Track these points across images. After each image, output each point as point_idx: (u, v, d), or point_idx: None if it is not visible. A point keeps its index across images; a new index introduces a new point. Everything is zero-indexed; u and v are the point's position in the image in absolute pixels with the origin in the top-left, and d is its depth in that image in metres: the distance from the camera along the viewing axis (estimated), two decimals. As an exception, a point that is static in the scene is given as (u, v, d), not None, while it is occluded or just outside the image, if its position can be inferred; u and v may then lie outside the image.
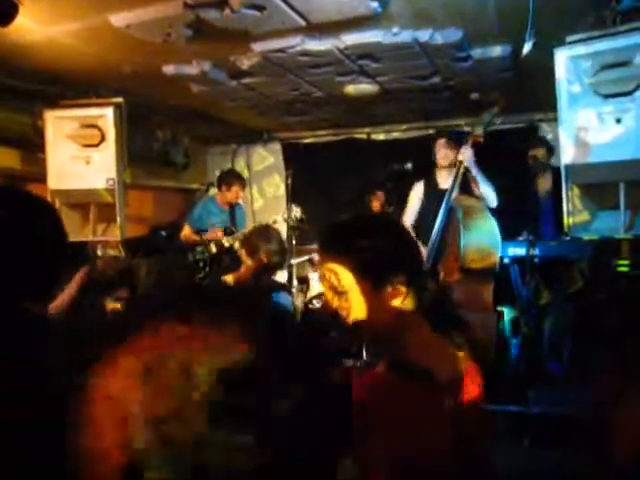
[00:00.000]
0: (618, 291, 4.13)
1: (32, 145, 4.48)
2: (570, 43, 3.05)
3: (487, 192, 4.24)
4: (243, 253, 3.42)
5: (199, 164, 7.18)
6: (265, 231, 3.55)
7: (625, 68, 2.91)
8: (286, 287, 4.49)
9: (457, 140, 4.39)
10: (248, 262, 3.36)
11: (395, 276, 1.29)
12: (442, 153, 4.44)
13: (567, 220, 3.24)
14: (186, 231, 5.64)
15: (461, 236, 3.85)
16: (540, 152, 4.76)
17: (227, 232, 5.57)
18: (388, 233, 1.41)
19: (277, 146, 7.14)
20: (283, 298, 3.33)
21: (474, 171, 4.21)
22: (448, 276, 3.94)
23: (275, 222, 5.48)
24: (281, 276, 6.17)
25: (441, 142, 4.46)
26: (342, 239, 1.38)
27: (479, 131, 4.19)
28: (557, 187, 4.39)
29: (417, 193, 4.66)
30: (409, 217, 4.64)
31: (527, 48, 3.11)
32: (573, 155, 3.06)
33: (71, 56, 3.72)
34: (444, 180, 4.44)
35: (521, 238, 4.31)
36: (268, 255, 3.34)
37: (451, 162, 4.36)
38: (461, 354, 1.28)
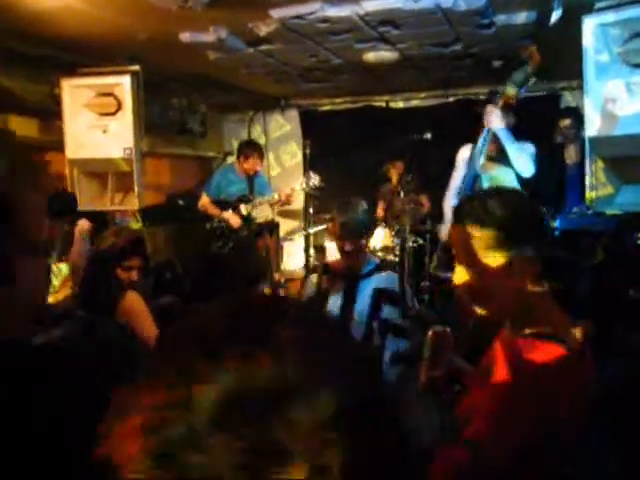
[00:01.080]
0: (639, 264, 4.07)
1: (50, 114, 4.46)
2: (599, 10, 2.95)
3: (519, 161, 3.82)
4: (335, 240, 3.05)
5: (216, 132, 7.13)
6: (358, 207, 3.09)
7: (656, 36, 2.81)
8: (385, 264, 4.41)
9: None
10: (347, 247, 2.94)
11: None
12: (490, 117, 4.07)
13: (590, 194, 3.19)
14: (204, 200, 5.67)
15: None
16: (566, 122, 4.64)
17: (244, 200, 5.60)
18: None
19: (294, 113, 7.05)
20: (387, 279, 3.02)
21: (503, 137, 3.79)
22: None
23: (293, 190, 5.50)
24: (298, 244, 6.19)
25: (491, 107, 4.03)
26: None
27: (511, 91, 3.68)
28: (584, 157, 4.33)
29: (462, 156, 4.24)
30: (455, 181, 4.26)
31: (556, 16, 3.02)
32: (599, 127, 2.99)
33: (87, 23, 3.67)
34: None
35: (545, 209, 4.24)
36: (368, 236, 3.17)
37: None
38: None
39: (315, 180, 5.20)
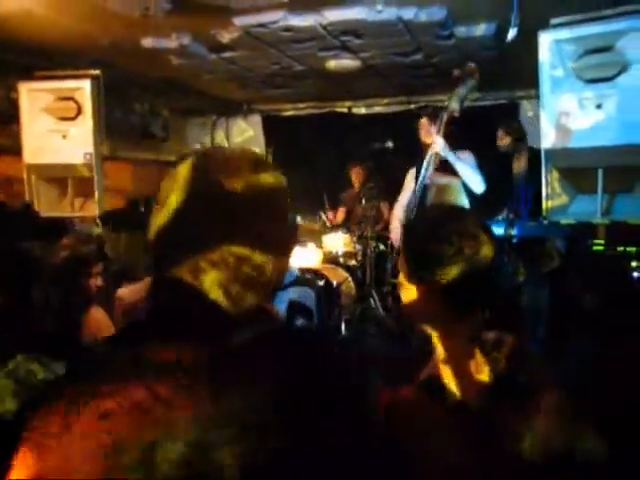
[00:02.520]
0: (594, 269, 4.20)
1: (6, 118, 4.36)
2: (555, 26, 3.04)
3: (470, 178, 3.94)
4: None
5: (178, 136, 7.06)
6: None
7: (608, 53, 2.90)
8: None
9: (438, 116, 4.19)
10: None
11: None
12: (425, 131, 4.29)
13: (546, 203, 3.27)
14: None
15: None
16: (505, 141, 4.72)
17: None
18: None
19: (257, 118, 7.05)
20: (302, 293, 2.91)
21: (451, 159, 3.90)
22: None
23: None
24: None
25: (423, 121, 4.28)
26: None
27: (455, 106, 3.82)
28: (531, 168, 4.43)
29: (412, 176, 4.37)
30: (402, 201, 4.41)
31: (512, 33, 3.09)
32: (554, 139, 3.07)
33: (48, 28, 3.62)
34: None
35: (500, 217, 4.34)
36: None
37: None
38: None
39: None
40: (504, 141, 4.73)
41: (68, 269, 2.69)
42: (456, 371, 1.18)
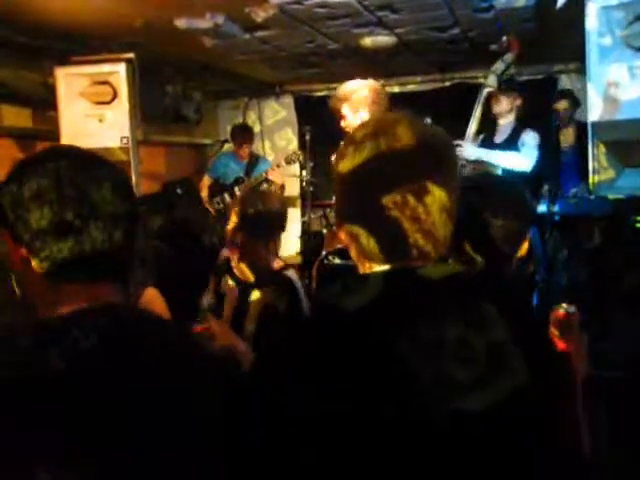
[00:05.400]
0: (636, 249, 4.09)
1: (44, 103, 4.40)
2: (602, -8, 2.92)
3: (511, 163, 3.85)
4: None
5: (211, 119, 7.07)
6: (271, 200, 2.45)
7: (659, 19, 2.79)
8: None
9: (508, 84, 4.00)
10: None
11: None
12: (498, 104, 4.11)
13: (592, 178, 3.18)
14: (204, 182, 5.86)
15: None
16: (564, 105, 4.63)
17: (239, 182, 5.71)
18: None
19: (289, 99, 7.00)
20: None
21: (484, 157, 3.81)
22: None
23: (279, 166, 5.60)
24: (295, 230, 6.16)
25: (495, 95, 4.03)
26: None
27: (492, 82, 3.75)
28: (580, 141, 4.31)
29: None
30: None
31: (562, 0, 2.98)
32: (601, 111, 2.97)
33: (80, 10, 3.61)
34: (500, 134, 4.19)
35: (543, 193, 4.24)
36: None
37: (508, 109, 4.11)
38: None
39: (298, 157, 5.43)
40: (562, 105, 4.60)
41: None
42: None
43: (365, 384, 0.85)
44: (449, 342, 0.86)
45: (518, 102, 4.11)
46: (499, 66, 3.76)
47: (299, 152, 5.55)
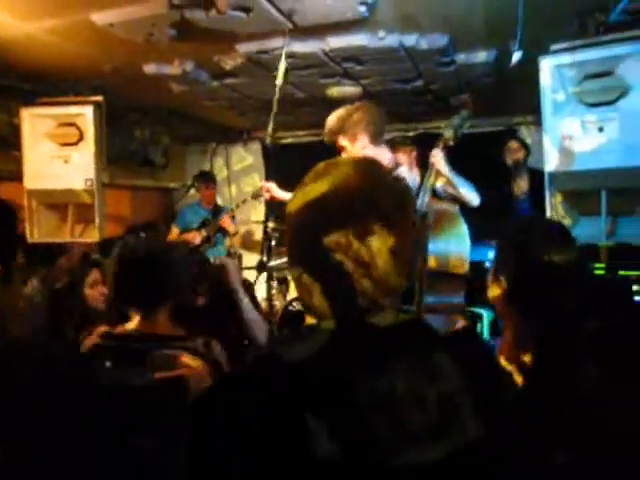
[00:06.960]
0: (595, 293, 4.18)
1: (7, 143, 4.36)
2: (555, 52, 3.08)
3: (466, 193, 3.80)
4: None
5: (178, 163, 7.08)
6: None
7: (608, 78, 2.94)
8: None
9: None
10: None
11: None
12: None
13: (550, 226, 3.27)
14: (174, 232, 5.94)
15: (429, 242, 3.61)
16: (514, 144, 4.78)
17: (205, 224, 5.84)
18: None
19: (257, 146, 7.08)
20: None
21: (449, 174, 3.78)
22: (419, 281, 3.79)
23: (250, 222, 5.69)
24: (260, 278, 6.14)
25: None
26: None
27: (449, 134, 3.74)
28: (533, 188, 4.45)
29: None
30: None
31: (516, 57, 3.13)
32: (557, 163, 3.09)
33: (49, 53, 3.63)
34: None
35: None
36: None
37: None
38: None
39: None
40: (519, 154, 4.74)
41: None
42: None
43: (291, 437, 0.82)
44: (400, 392, 0.84)
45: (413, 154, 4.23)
46: (455, 121, 3.88)
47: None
